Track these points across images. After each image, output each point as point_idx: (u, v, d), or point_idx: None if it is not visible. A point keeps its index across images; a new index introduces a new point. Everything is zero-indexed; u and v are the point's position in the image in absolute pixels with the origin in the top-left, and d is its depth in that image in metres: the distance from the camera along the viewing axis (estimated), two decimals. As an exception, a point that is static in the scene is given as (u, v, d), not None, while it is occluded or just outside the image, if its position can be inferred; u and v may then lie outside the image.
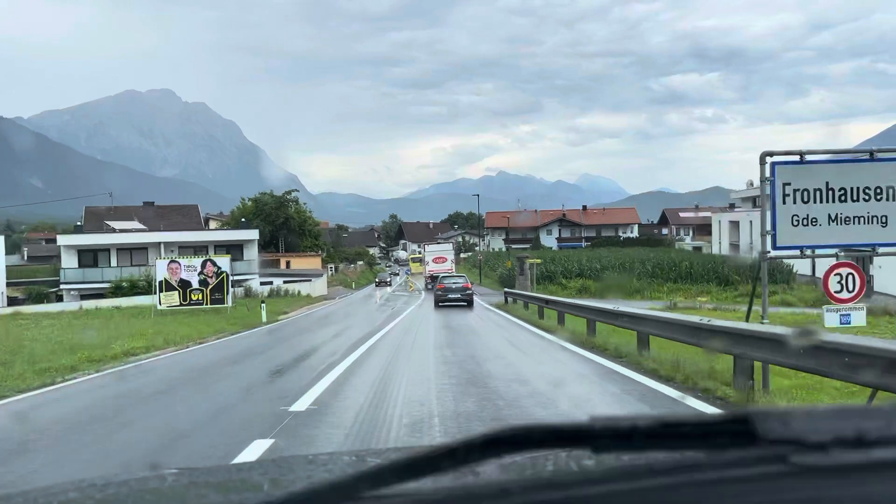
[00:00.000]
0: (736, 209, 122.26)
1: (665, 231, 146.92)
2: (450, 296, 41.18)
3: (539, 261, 53.15)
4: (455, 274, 51.83)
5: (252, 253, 67.74)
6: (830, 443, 0.94)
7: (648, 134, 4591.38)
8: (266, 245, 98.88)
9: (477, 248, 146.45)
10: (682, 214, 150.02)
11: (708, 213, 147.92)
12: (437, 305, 40.91)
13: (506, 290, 39.91)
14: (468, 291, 41.64)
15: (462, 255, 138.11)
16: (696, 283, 52.46)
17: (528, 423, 0.98)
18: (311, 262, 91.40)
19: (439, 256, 72.13)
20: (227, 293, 45.34)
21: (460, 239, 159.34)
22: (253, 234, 67.95)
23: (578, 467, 1.11)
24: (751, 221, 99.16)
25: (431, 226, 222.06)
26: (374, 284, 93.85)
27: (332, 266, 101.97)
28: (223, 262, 45.99)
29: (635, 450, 1.01)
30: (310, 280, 70.14)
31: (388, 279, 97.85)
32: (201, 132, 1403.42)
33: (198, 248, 66.17)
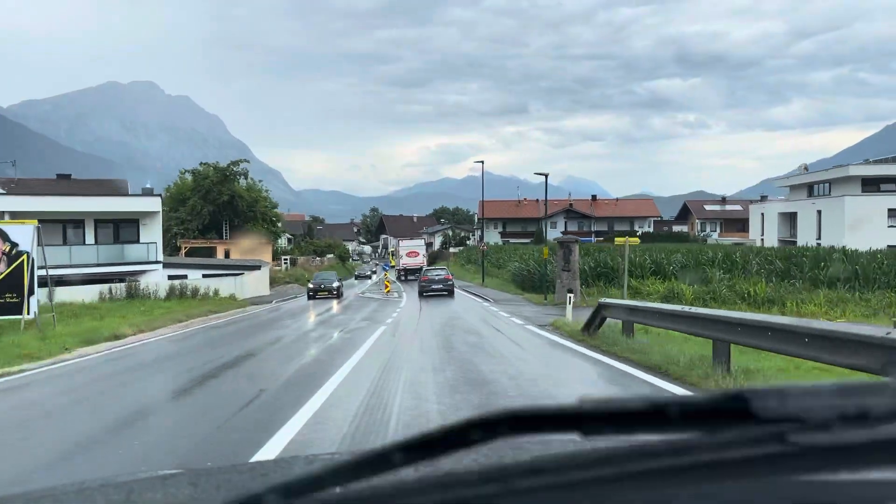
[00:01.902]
0: (770, 200, 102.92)
1: (682, 227, 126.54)
2: (433, 286, 43.50)
3: (637, 241, 31.22)
4: (437, 267, 54.37)
5: (153, 232, 46.08)
6: (832, 420, 0.86)
7: (632, 137, 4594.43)
8: (206, 230, 77.33)
9: (469, 242, 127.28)
10: (707, 207, 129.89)
11: (737, 207, 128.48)
12: (421, 295, 42.70)
13: (604, 301, 17.42)
14: (449, 282, 44.07)
15: (452, 250, 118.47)
16: (871, 290, 31.08)
17: (515, 406, 0.93)
18: (258, 252, 69.86)
19: (412, 251, 75.90)
20: (29, 293, 23.82)
21: (450, 232, 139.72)
22: (153, 204, 46.26)
23: (567, 451, 1.03)
24: (819, 211, 78.41)
25: (415, 219, 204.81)
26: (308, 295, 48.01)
27: (287, 258, 80.00)
28: (20, 233, 24.36)
29: (625, 432, 0.94)
30: (241, 274, 48.54)
31: (336, 286, 47.03)
32: (184, 126, 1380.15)
33: (68, 223, 44.84)
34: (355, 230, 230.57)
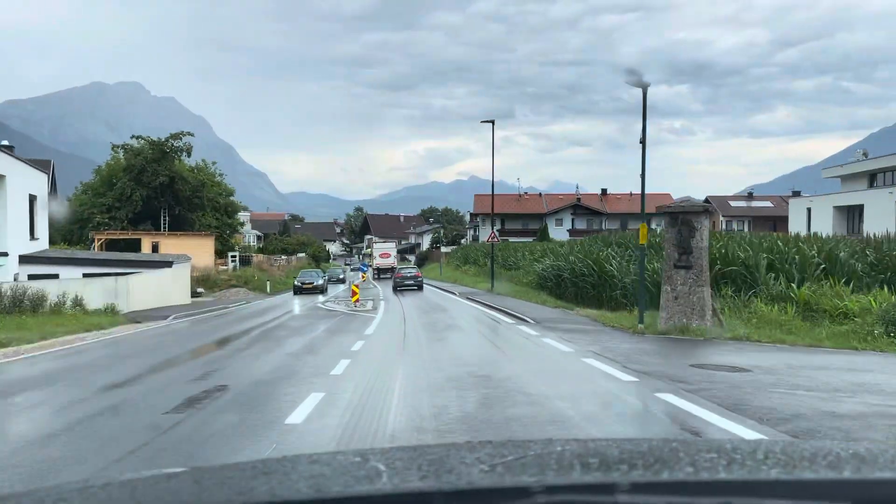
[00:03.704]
0: (804, 195, 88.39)
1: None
2: (406, 282, 48.92)
3: None
4: (408, 266, 62.88)
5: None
6: None
7: (618, 143, 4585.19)
8: (139, 219, 61.34)
9: (463, 241, 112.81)
10: (732, 203, 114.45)
11: (767, 203, 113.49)
12: (395, 290, 47.80)
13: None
14: (419, 279, 50.00)
15: (444, 250, 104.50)
16: None
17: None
18: (198, 247, 54.17)
19: (384, 252, 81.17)
20: None
21: (441, 231, 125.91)
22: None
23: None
24: (899, 202, 63.22)
25: (402, 219, 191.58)
26: None
27: (236, 255, 63.80)
28: None
29: None
30: (138, 272, 32.62)
31: None
32: (170, 127, 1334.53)
33: None
34: (338, 230, 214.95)
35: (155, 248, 52.62)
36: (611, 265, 25.96)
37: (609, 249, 28.99)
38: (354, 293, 31.88)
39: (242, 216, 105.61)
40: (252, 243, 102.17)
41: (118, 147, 64.33)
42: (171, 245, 52.81)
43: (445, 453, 1.40)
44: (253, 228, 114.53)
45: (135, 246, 53.57)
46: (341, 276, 68.98)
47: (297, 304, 36.08)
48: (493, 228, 46.80)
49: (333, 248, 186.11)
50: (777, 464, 1.21)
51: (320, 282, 50.25)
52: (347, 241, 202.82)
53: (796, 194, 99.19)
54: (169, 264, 35.59)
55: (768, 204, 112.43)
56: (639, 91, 18.40)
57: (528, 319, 21.66)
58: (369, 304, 32.58)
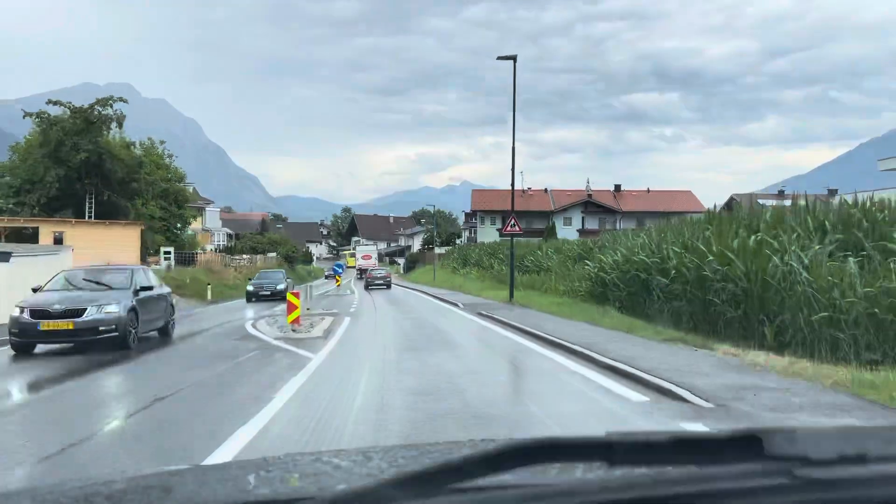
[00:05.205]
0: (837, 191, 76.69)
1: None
2: (376, 281, 55.36)
3: None
4: (380, 267, 72.51)
5: None
6: (833, 460, 0.98)
7: (609, 150, 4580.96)
8: (57, 206, 48.13)
9: (459, 241, 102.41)
10: (761, 201, 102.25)
11: (800, 202, 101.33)
12: (366, 288, 53.82)
13: None
14: (388, 279, 56.73)
15: (437, 251, 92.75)
16: None
17: (549, 436, 1.04)
18: (120, 239, 41.67)
19: (366, 254, 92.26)
20: None
21: (435, 231, 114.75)
22: None
23: (597, 478, 1.11)
24: None
25: (392, 220, 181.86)
26: None
27: (170, 253, 50.92)
28: None
29: (649, 463, 1.03)
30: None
31: None
32: (161, 129, 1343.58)
33: None
34: (324, 232, 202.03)
35: (59, 241, 39.71)
36: (790, 263, 13.20)
37: (755, 237, 16.35)
38: (293, 308, 18.85)
39: (210, 211, 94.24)
40: (222, 242, 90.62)
41: (31, 115, 50.88)
42: (81, 236, 39.96)
43: (448, 451, 1.41)
44: (224, 226, 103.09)
45: (29, 236, 40.85)
46: (280, 287, 39.77)
47: (205, 324, 23.28)
48: (512, 214, 33.73)
49: (319, 249, 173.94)
50: None
51: (114, 309, 15.81)
52: (334, 244, 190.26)
53: (833, 192, 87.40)
54: (4, 257, 22.31)
55: (800, 202, 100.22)
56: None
57: (665, 386, 8.80)
58: (320, 327, 19.73)
